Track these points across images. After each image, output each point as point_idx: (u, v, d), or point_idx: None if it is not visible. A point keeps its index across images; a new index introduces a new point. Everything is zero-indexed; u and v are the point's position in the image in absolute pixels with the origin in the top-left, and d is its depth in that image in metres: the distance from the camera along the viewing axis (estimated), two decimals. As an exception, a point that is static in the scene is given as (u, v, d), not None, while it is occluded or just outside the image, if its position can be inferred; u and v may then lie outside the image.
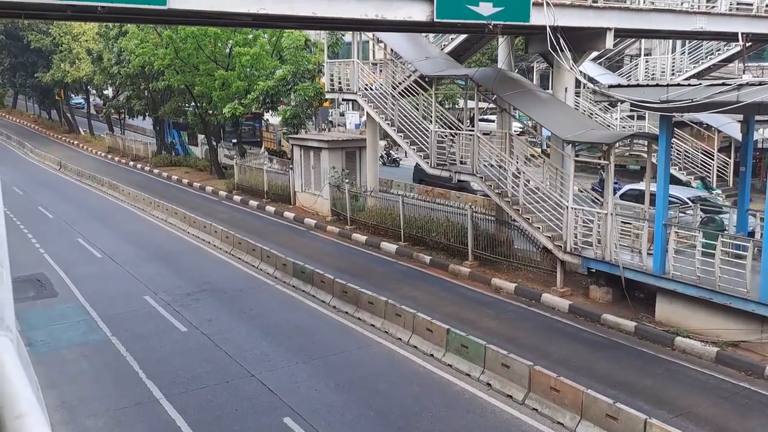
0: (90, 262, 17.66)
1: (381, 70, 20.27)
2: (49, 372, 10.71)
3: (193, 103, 31.73)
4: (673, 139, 18.23)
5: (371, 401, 9.77)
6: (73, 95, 54.48)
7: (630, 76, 28.70)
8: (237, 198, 26.51)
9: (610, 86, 13.31)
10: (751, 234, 13.56)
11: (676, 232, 12.10)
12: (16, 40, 46.83)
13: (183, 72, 28.82)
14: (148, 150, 37.92)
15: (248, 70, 27.45)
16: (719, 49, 24.99)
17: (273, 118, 39.19)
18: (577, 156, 14.05)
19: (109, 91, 47.10)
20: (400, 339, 11.89)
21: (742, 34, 16.19)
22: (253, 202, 25.34)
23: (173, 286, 15.42)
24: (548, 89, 19.03)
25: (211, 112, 29.90)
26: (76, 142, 46.78)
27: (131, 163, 37.41)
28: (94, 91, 49.97)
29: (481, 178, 15.77)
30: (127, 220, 23.18)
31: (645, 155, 17.47)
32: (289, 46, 27.39)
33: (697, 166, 24.14)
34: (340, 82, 20.78)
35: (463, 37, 18.94)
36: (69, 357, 11.51)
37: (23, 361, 1.86)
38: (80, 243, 19.70)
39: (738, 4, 16.58)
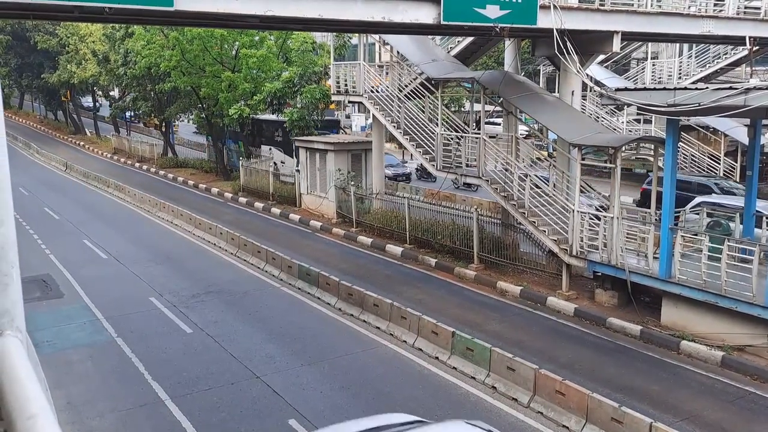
0: (95, 263, 17.71)
1: (387, 73, 20.28)
2: (55, 372, 10.72)
3: (199, 105, 31.77)
4: (680, 142, 18.18)
5: (376, 403, 9.74)
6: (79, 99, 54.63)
7: (637, 79, 28.67)
8: (243, 200, 26.55)
9: (617, 90, 13.29)
10: None
11: (682, 236, 12.06)
12: (23, 41, 47.14)
13: (189, 74, 28.90)
14: (153, 151, 38.08)
15: (255, 72, 27.50)
16: (726, 53, 24.93)
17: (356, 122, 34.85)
18: (583, 159, 14.02)
19: (115, 92, 47.35)
20: (406, 341, 11.86)
21: (750, 38, 16.13)
22: (259, 204, 25.38)
23: (178, 287, 15.44)
24: (555, 92, 19.02)
25: (216, 113, 29.94)
26: (82, 143, 47.01)
27: (137, 165, 37.55)
28: (100, 93, 50.19)
29: (487, 181, 15.74)
30: (133, 222, 23.25)
31: (651, 159, 17.43)
32: (297, 48, 27.42)
33: (704, 170, 24.06)
34: (346, 85, 20.80)
35: (469, 40, 18.94)
36: (75, 358, 11.54)
37: (32, 361, 1.87)
38: (86, 244, 19.77)
39: (745, 8, 16.52)
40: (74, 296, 14.91)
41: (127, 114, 47.39)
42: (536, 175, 15.34)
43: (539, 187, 14.76)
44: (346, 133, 31.25)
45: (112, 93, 48.40)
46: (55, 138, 51.21)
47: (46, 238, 20.21)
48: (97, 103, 53.71)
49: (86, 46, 40.32)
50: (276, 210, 24.26)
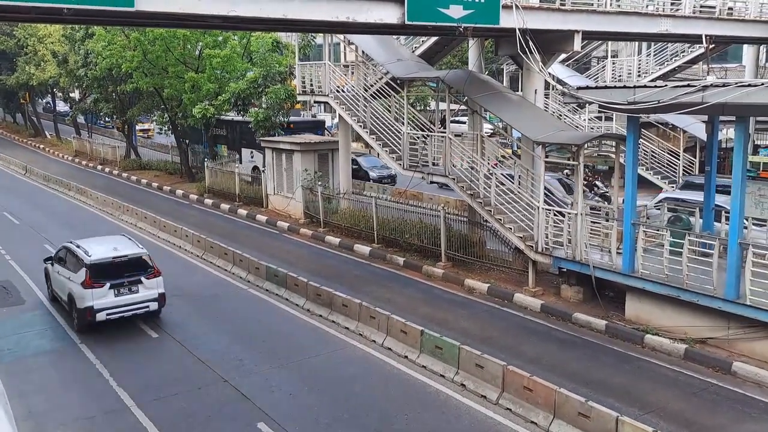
0: (57, 269, 17.25)
1: (353, 73, 20.24)
2: (16, 381, 10.43)
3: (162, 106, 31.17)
4: (641, 139, 18.59)
5: (346, 404, 9.74)
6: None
7: (597, 77, 29.22)
8: (208, 201, 26.20)
9: (579, 88, 13.51)
10: None
11: (644, 231, 12.30)
12: (-22, 42, 45.62)
13: (152, 74, 28.37)
14: (116, 153, 37.33)
15: (219, 72, 27.15)
16: (684, 51, 25.59)
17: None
18: (547, 157, 14.21)
19: (75, 94, 46.24)
20: (375, 341, 11.87)
21: (706, 36, 16.59)
22: (225, 206, 25.08)
23: (144, 291, 15.13)
24: (518, 91, 19.26)
25: (180, 114, 29.42)
26: (42, 146, 45.93)
27: (99, 167, 36.77)
28: (60, 94, 49.02)
29: (454, 179, 15.85)
30: (96, 225, 22.68)
31: (613, 156, 17.79)
32: (257, 49, 27.14)
33: (664, 166, 24.67)
34: (311, 85, 20.70)
35: (434, 39, 19.04)
36: (36, 365, 11.24)
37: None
38: (47, 249, 19.21)
39: (701, 6, 16.99)
40: (36, 303, 14.52)
41: (94, 118, 46.31)
42: (502, 173, 15.51)
43: (505, 185, 14.93)
44: (331, 135, 30.58)
45: (72, 95, 47.23)
46: (13, 141, 49.84)
47: (6, 244, 19.64)
48: (64, 108, 52.41)
49: (45, 47, 39.29)
50: (242, 211, 24.00)
